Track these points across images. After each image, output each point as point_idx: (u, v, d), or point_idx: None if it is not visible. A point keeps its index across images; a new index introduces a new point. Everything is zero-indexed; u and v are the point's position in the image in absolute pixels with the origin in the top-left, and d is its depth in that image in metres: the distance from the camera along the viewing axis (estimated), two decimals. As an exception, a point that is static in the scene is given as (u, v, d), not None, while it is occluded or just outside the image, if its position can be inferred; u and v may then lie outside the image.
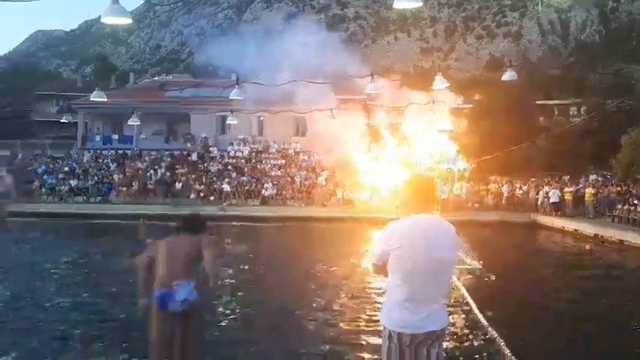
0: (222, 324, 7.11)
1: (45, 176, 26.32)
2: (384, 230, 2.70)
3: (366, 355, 5.91)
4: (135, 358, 5.52)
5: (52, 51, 77.34)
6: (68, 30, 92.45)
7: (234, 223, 19.16)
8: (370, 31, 52.63)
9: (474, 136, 25.68)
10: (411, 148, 25.62)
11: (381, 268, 2.73)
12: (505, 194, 22.50)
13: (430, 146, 25.06)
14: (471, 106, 28.75)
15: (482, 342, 6.18)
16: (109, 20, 8.16)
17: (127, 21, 8.31)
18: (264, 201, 23.96)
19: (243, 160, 29.26)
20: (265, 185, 24.98)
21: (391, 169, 23.60)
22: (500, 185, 23.45)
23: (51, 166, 28.24)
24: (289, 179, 26.18)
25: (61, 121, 38.55)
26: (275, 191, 24.67)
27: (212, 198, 24.42)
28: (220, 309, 7.67)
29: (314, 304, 8.02)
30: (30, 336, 6.55)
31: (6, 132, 33.41)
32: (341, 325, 7.05)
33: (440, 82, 16.83)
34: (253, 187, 25.28)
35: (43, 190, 24.90)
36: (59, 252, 13.18)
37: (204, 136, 31.59)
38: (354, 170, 25.20)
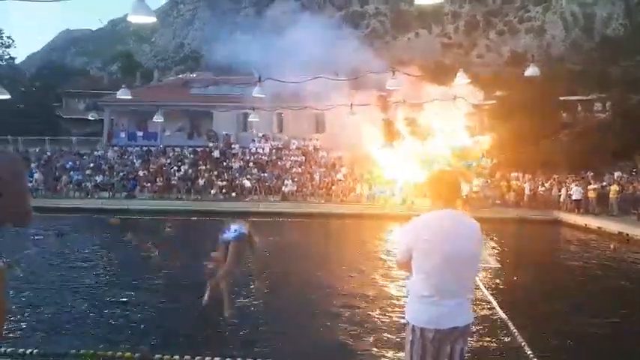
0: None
1: (72, 172, 27.06)
2: (407, 225, 2.76)
3: (389, 352, 5.98)
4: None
5: (80, 49, 79.09)
6: (95, 29, 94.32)
7: (255, 218, 19.44)
8: (390, 28, 52.32)
9: (495, 133, 25.45)
10: (430, 144, 25.55)
11: (405, 264, 2.78)
12: (527, 191, 22.27)
13: (450, 142, 24.96)
14: (492, 102, 28.50)
15: (501, 340, 6.21)
16: (134, 19, 8.45)
17: (152, 19, 8.59)
18: (285, 197, 24.21)
19: (264, 157, 29.58)
20: (285, 182, 25.24)
21: (410, 166, 23.60)
22: (522, 182, 23.21)
23: (78, 162, 29.01)
24: (309, 176, 26.38)
25: (88, 118, 39.51)
26: (295, 187, 24.90)
27: (234, 194, 24.78)
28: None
29: (330, 301, 8.09)
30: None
31: (35, 129, 34.35)
32: (357, 321, 7.12)
33: (461, 78, 16.81)
34: (274, 183, 25.56)
35: (70, 185, 25.61)
36: (87, 247, 13.64)
37: (225, 133, 32.04)
38: (373, 166, 25.26)
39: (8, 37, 50.92)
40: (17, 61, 55.47)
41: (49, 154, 30.48)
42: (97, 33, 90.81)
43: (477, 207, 19.39)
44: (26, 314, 7.13)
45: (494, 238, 14.41)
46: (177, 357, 5.03)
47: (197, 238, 13.95)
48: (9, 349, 5.24)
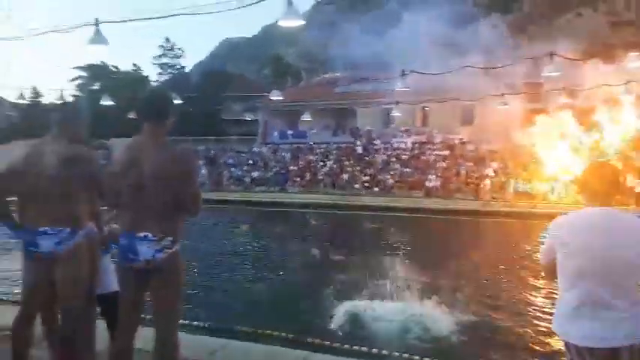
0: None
1: (232, 168, 29.93)
2: (550, 226, 2.50)
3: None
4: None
5: (237, 56, 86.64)
6: (250, 36, 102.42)
7: (398, 214, 19.41)
8: (548, 9, 47.81)
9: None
10: (597, 135, 22.92)
11: (549, 269, 2.53)
12: None
13: (622, 132, 22.09)
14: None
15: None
16: (284, 23, 8.99)
17: (301, 22, 9.06)
18: (428, 193, 23.70)
19: (406, 152, 29.28)
20: (429, 177, 24.69)
21: (572, 158, 21.45)
22: None
23: (237, 159, 31.93)
24: (454, 170, 25.42)
25: (245, 118, 43.19)
26: (439, 183, 24.22)
27: (376, 189, 25.01)
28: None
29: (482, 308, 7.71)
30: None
31: (201, 130, 38.46)
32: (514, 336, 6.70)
33: (635, 59, 14.82)
34: (417, 178, 25.18)
35: (231, 180, 28.37)
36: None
37: (368, 128, 32.47)
38: (529, 160, 23.40)
39: (179, 49, 57.89)
40: (186, 70, 62.74)
41: (213, 152, 33.94)
42: (252, 39, 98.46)
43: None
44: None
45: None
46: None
47: (344, 231, 14.37)
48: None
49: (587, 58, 21.28)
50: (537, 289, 8.78)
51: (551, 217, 2.57)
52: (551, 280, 2.62)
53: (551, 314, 7.01)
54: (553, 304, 7.54)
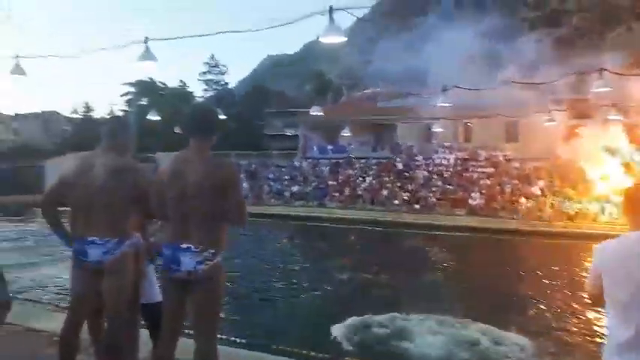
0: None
1: (273, 182, 30.25)
2: (594, 251, 2.33)
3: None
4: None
5: (279, 72, 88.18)
6: (292, 53, 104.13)
7: (440, 232, 19.05)
8: (597, 24, 46.33)
9: None
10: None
11: (595, 296, 2.35)
12: None
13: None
14: None
15: None
16: (326, 40, 9.07)
17: (342, 39, 9.12)
18: (472, 211, 23.16)
19: (449, 169, 28.78)
20: (472, 194, 24.14)
21: (624, 177, 20.54)
22: None
23: (277, 173, 32.26)
24: (499, 188, 24.75)
25: (286, 134, 43.70)
26: (483, 201, 23.63)
27: (417, 206, 24.64)
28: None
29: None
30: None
31: (243, 145, 39.17)
32: None
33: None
34: (459, 195, 24.66)
35: (271, 194, 28.67)
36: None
37: (409, 144, 32.17)
38: (577, 178, 22.55)
39: (223, 66, 59.49)
40: (230, 86, 64.28)
41: (254, 166, 34.45)
42: (294, 56, 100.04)
43: None
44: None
45: None
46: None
47: (385, 248, 14.21)
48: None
49: (637, 72, 20.43)
50: (580, 314, 8.38)
51: (599, 238, 2.45)
52: (599, 307, 2.43)
53: (598, 343, 6.73)
54: (597, 332, 7.16)
